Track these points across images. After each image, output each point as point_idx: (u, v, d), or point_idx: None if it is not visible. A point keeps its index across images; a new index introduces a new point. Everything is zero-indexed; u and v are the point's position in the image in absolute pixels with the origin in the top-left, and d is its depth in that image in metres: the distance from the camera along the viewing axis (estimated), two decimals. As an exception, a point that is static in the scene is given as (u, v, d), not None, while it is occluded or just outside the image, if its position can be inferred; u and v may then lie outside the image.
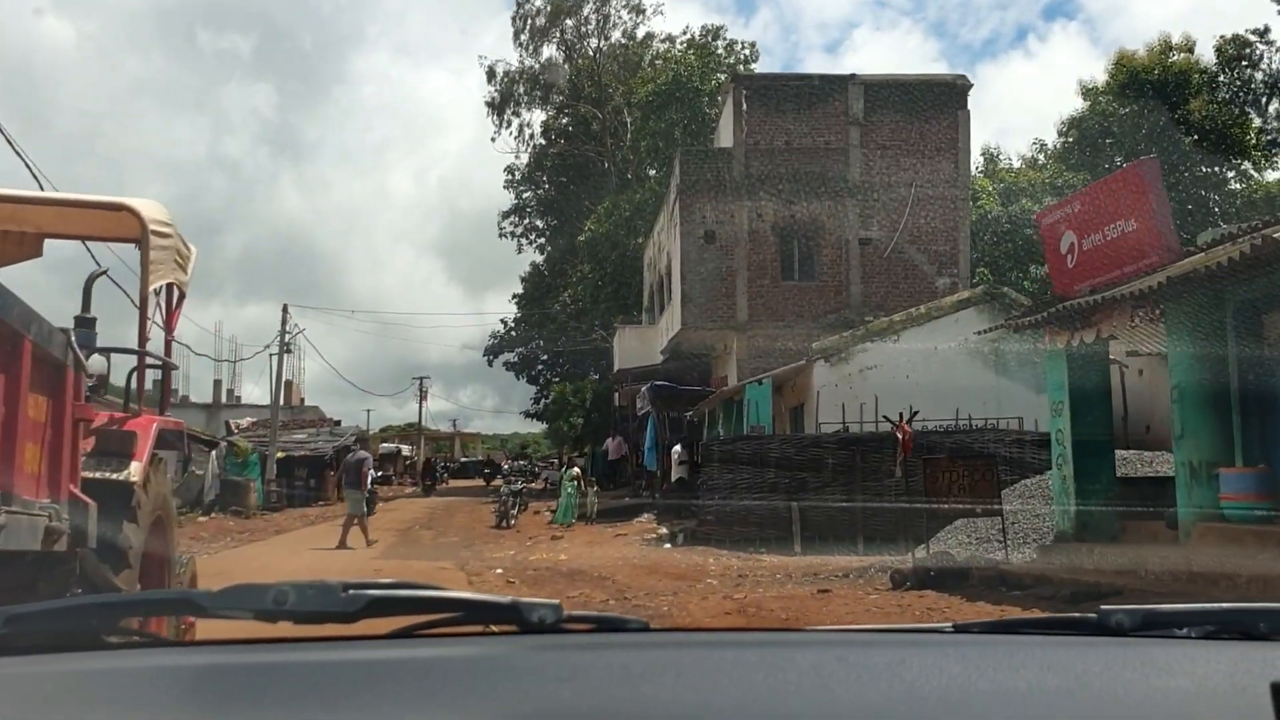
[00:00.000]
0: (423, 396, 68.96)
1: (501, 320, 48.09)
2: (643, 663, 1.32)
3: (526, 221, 48.14)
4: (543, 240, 48.57)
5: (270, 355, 37.00)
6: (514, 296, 48.45)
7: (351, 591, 1.35)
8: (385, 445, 67.87)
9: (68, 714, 1.13)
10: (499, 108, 47.96)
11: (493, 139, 49.26)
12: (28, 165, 11.71)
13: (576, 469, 22.25)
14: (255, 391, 56.77)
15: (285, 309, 35.63)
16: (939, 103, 25.72)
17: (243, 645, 1.47)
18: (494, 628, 1.50)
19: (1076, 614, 1.54)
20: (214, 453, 34.96)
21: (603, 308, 37.58)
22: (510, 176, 47.22)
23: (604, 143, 43.10)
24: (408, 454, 71.04)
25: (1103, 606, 1.48)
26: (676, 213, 25.37)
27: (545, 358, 47.56)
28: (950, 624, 1.61)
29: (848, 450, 15.94)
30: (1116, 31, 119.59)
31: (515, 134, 48.10)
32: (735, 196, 25.11)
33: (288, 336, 35.80)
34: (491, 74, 47.63)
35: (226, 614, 1.37)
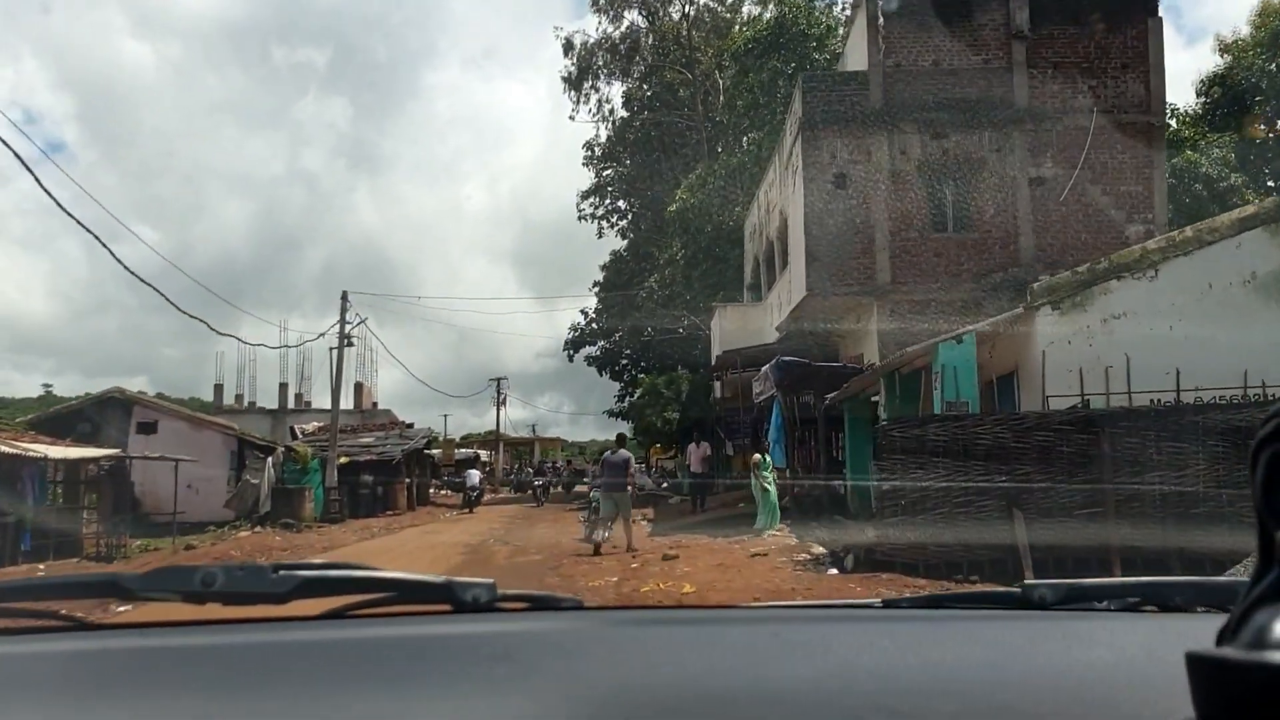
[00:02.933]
0: (500, 399, 65.16)
1: (582, 311, 44.04)
2: (577, 640, 1.31)
3: (608, 202, 43.90)
4: (625, 223, 44.33)
5: (330, 349, 33.10)
6: (594, 285, 44.28)
7: (282, 573, 1.35)
8: (462, 450, 64.53)
9: None
10: (576, 82, 44.01)
11: (571, 116, 45.26)
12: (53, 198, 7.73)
13: (758, 455, 17.30)
14: (325, 398, 53.18)
15: (345, 296, 31.71)
16: (1122, 8, 20.66)
17: (168, 628, 1.45)
18: (428, 607, 1.47)
19: (1001, 589, 1.63)
20: (270, 459, 31.31)
21: (696, 288, 33.03)
22: (590, 153, 43.07)
23: (694, 107, 38.57)
24: (486, 459, 67.78)
25: (1026, 581, 1.54)
26: (798, 154, 20.70)
27: (630, 351, 43.31)
28: (879, 600, 1.60)
29: (1091, 433, 11.07)
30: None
31: (594, 110, 44.10)
32: (872, 131, 20.35)
33: (349, 327, 31.80)
34: (569, 46, 43.69)
35: (153, 596, 1.38)
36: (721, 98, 37.86)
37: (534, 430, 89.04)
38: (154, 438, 29.49)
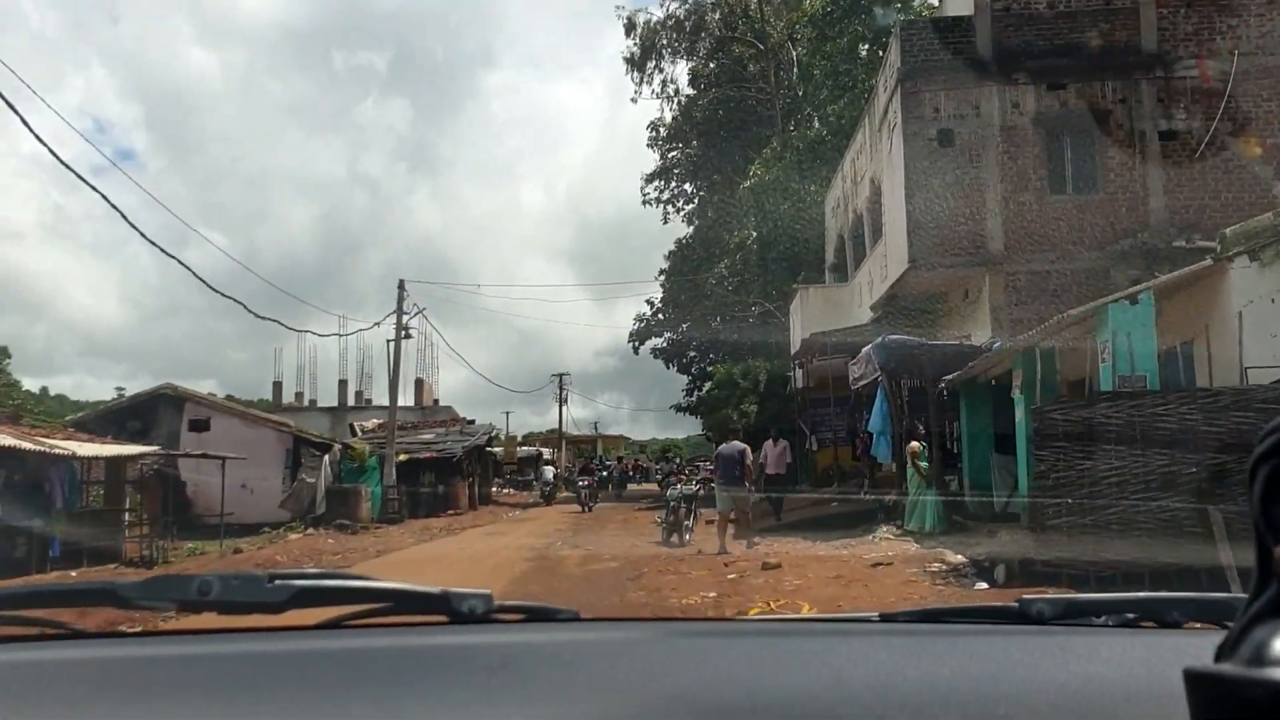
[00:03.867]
0: (563, 396, 63.56)
1: (648, 301, 41.99)
2: (573, 651, 1.30)
3: (674, 185, 41.85)
4: (691, 207, 42.27)
5: (388, 341, 31.55)
6: (660, 273, 42.25)
7: (278, 582, 1.34)
8: (524, 449, 63.23)
9: None
10: (639, 62, 42.03)
11: (633, 99, 43.14)
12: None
13: (915, 443, 15.13)
14: (386, 396, 51.81)
15: (401, 285, 30.15)
16: (1267, -65, 18.14)
17: (164, 636, 1.46)
18: (424, 618, 1.47)
19: (999, 603, 1.54)
20: (326, 457, 29.90)
21: (772, 271, 30.91)
22: (654, 134, 41.05)
23: (766, 81, 36.39)
24: (549, 457, 66.37)
25: (1024, 596, 1.49)
26: (895, 111, 18.51)
27: (698, 341, 41.32)
28: (877, 613, 1.58)
29: (1308, 413, 8.88)
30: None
31: (657, 91, 42.09)
32: (980, 82, 18.10)
33: (406, 318, 30.21)
34: (631, 26, 41.72)
35: (149, 605, 1.37)
36: (795, 69, 35.69)
37: (595, 428, 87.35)
38: (206, 435, 28.15)
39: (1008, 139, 17.98)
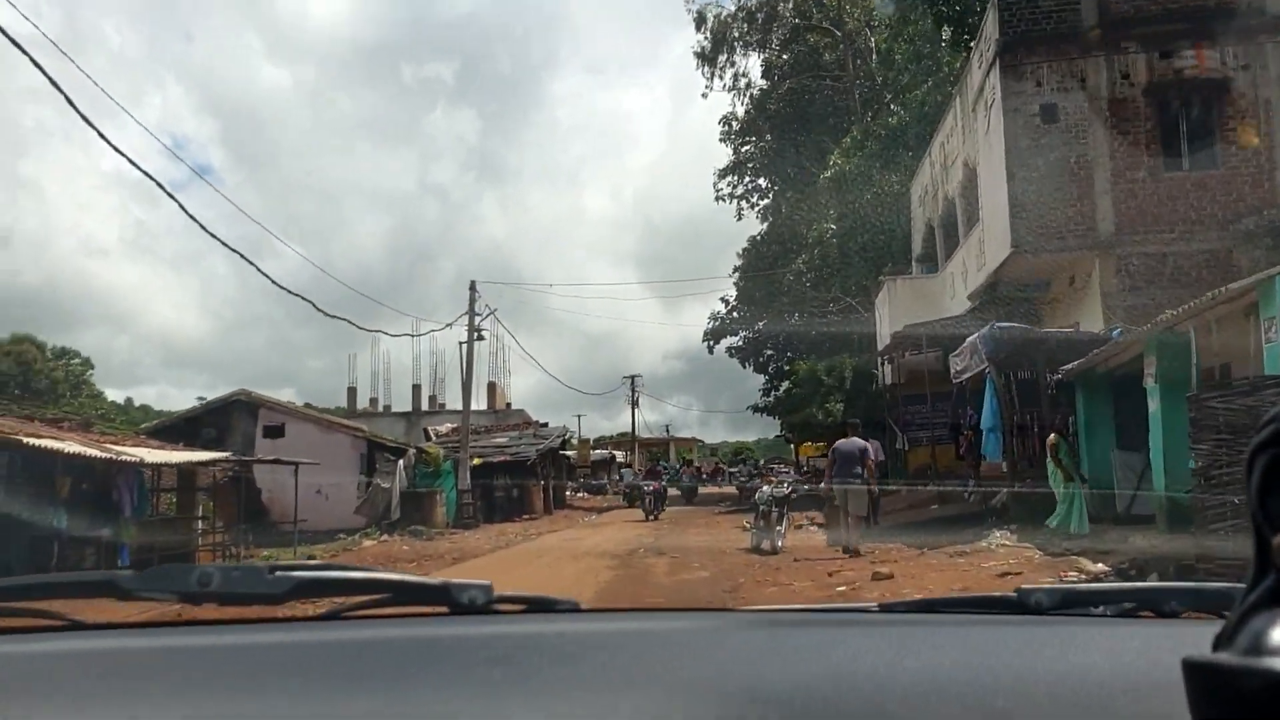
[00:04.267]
0: (635, 399, 62.82)
1: (722, 299, 41.07)
2: (575, 642, 1.29)
3: (747, 180, 40.86)
4: (765, 203, 41.26)
5: (460, 344, 31.04)
6: (734, 270, 41.28)
7: (278, 573, 1.34)
8: (597, 452, 62.60)
9: None
10: (710, 57, 41.17)
11: (704, 94, 42.33)
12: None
13: (1054, 436, 13.87)
14: (459, 400, 51.53)
15: (472, 286, 29.59)
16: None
17: (164, 628, 1.47)
18: (425, 609, 1.47)
19: (997, 594, 1.54)
20: (401, 462, 29.48)
21: (855, 264, 29.71)
22: (727, 128, 40.09)
23: (844, 69, 35.22)
24: (622, 460, 65.69)
25: (1022, 586, 1.48)
26: (993, 86, 17.33)
27: (776, 339, 40.27)
28: (876, 604, 1.58)
29: None
30: None
31: (730, 85, 41.21)
32: (1086, 51, 16.85)
33: (478, 319, 29.66)
34: (701, 20, 40.88)
35: (150, 596, 1.37)
36: (874, 56, 34.49)
37: (668, 430, 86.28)
38: (281, 441, 27.91)
39: (1117, 112, 16.71)
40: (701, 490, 40.11)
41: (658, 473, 29.57)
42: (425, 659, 1.20)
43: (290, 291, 18.90)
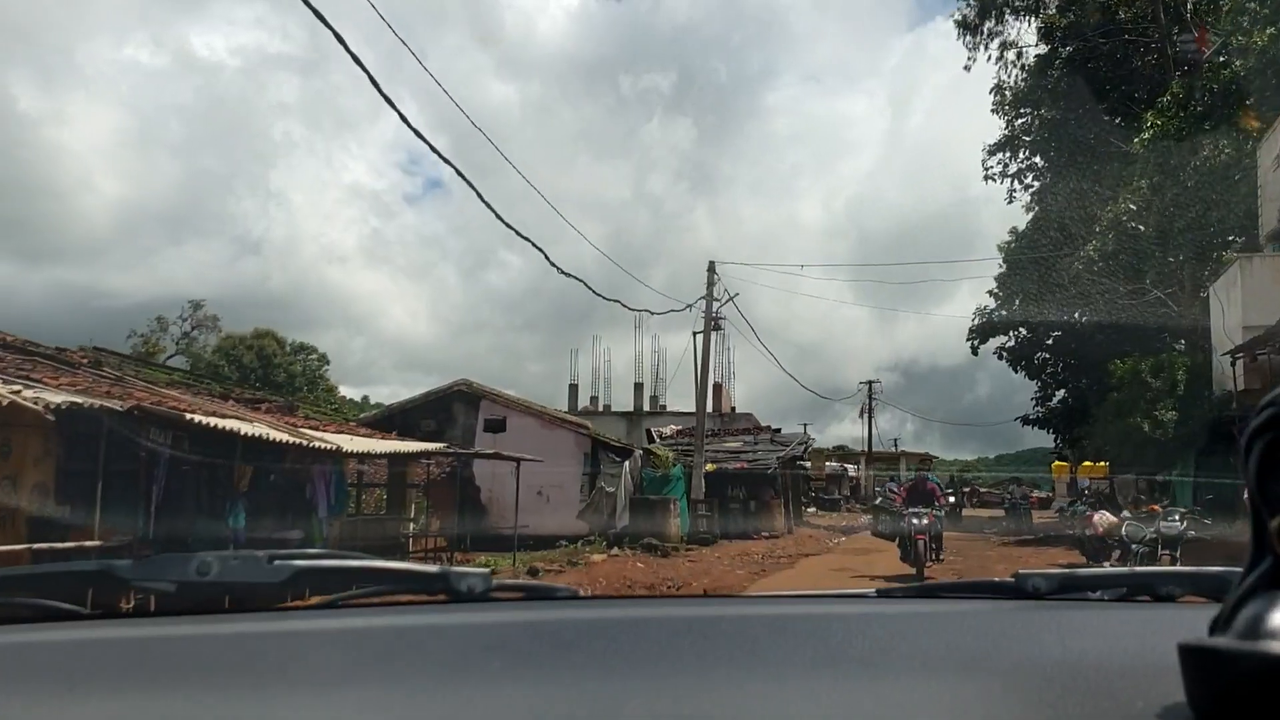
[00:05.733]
0: (870, 407, 58.16)
1: (989, 292, 36.03)
2: (573, 629, 1.30)
3: (1022, 157, 35.80)
4: (1041, 183, 36.08)
5: (694, 333, 27.84)
6: (1001, 256, 36.23)
7: (278, 562, 1.35)
8: (830, 465, 58.36)
9: None
10: (973, 25, 36.42)
11: (966, 67, 37.41)
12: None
13: None
14: (681, 401, 48.50)
15: (711, 267, 26.30)
16: None
17: (163, 617, 1.45)
18: (424, 597, 1.47)
19: (995, 579, 1.52)
20: (627, 464, 26.59)
21: (1180, 244, 24.43)
22: (999, 97, 35.19)
23: (1152, 20, 29.78)
24: (854, 475, 61.11)
25: (1020, 571, 1.47)
26: None
27: (1054, 339, 35.00)
28: (874, 589, 1.58)
29: None
30: None
31: (995, 56, 36.30)
32: None
33: (716, 305, 26.34)
34: (965, -18, 36.18)
35: (149, 585, 1.37)
36: (1189, 3, 28.91)
37: (896, 444, 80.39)
38: (502, 436, 25.55)
39: None
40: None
41: (930, 493, 17.08)
42: (424, 647, 1.20)
43: (567, 273, 18.63)
